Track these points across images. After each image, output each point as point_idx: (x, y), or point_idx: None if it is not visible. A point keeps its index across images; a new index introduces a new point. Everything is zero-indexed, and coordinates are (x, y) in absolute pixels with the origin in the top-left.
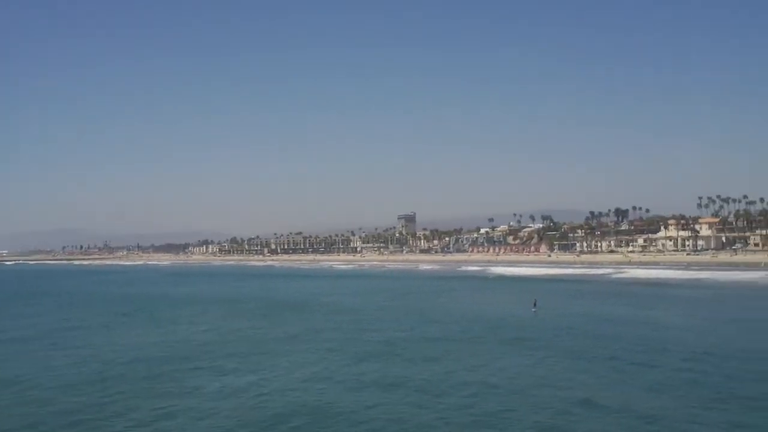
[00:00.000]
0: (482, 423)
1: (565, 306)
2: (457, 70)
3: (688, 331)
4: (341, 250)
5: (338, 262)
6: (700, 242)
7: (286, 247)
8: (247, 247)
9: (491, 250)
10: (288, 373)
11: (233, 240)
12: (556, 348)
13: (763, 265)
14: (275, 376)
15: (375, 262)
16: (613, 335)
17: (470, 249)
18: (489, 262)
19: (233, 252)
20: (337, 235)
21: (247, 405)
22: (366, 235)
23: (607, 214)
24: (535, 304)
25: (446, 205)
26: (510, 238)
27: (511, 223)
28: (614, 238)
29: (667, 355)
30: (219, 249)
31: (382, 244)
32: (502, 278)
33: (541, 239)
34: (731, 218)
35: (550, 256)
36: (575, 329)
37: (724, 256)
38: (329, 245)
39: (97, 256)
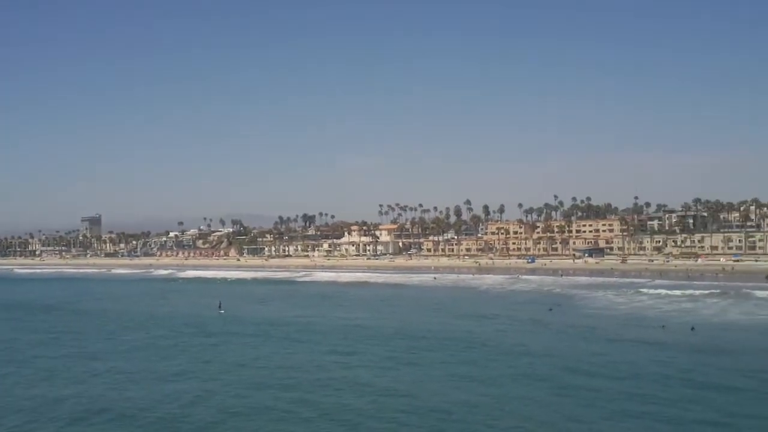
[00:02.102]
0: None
1: (250, 307)
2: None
3: (357, 323)
4: (18, 253)
5: (19, 266)
6: (380, 247)
7: None
8: None
9: (180, 253)
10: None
11: None
12: (241, 342)
13: (433, 268)
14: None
15: (68, 267)
16: (290, 329)
17: (159, 253)
18: (179, 266)
19: None
20: (13, 238)
21: None
22: (47, 238)
23: (295, 220)
24: (220, 306)
25: (134, 208)
26: (200, 242)
27: (201, 227)
28: (301, 242)
29: (316, 338)
30: None
31: (64, 248)
32: (192, 281)
33: (231, 243)
34: (408, 225)
35: (239, 260)
36: (258, 325)
37: (400, 260)
38: (5, 248)
39: None
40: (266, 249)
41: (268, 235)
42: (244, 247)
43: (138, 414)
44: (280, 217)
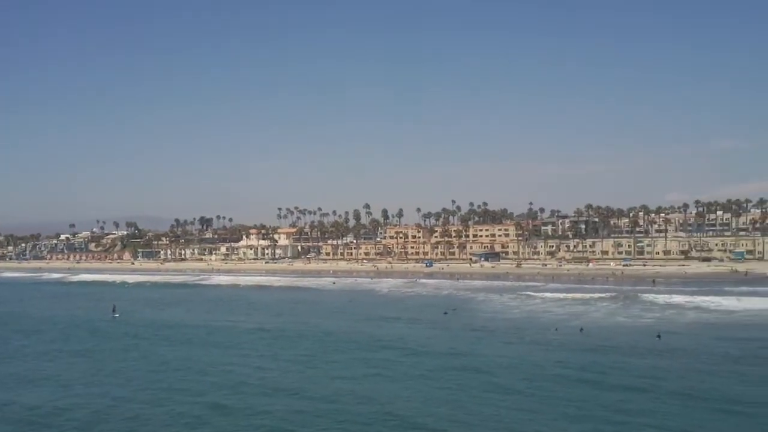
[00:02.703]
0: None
1: (148, 311)
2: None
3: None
4: None
5: None
6: (279, 251)
7: None
8: None
9: (72, 257)
10: None
11: None
12: (141, 347)
13: (332, 272)
14: None
15: None
16: (190, 333)
17: (49, 256)
18: (71, 269)
19: None
20: None
21: None
22: None
23: (192, 223)
24: (114, 310)
25: (23, 209)
26: (92, 245)
27: (94, 230)
28: (198, 246)
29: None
30: None
31: None
32: (88, 284)
33: (125, 246)
34: (307, 229)
35: (133, 263)
36: (158, 329)
37: (299, 264)
38: None
39: None
40: (162, 252)
41: (163, 239)
42: (139, 250)
43: (41, 422)
44: (177, 220)
